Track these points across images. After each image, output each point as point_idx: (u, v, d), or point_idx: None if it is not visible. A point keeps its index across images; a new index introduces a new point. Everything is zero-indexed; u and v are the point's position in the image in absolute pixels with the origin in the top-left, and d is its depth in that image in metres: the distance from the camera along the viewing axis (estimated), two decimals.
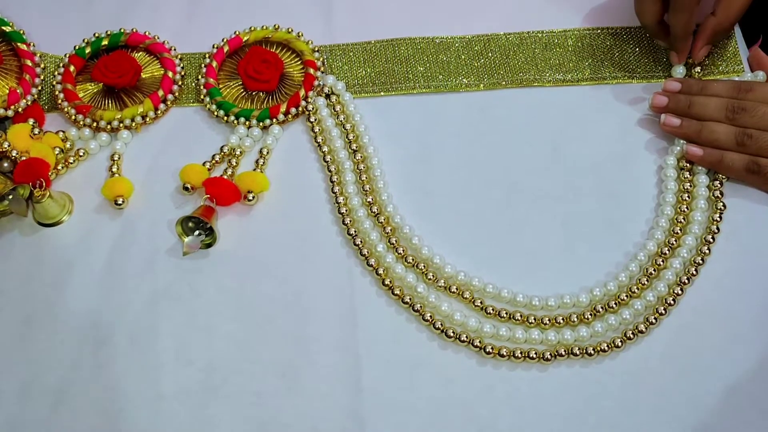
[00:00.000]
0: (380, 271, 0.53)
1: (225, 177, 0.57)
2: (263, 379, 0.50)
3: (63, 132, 0.59)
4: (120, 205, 0.56)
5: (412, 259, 0.53)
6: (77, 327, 0.52)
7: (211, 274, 0.54)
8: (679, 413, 0.48)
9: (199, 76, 0.62)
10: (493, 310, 0.51)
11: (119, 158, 0.59)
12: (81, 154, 0.59)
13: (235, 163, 0.58)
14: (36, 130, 0.59)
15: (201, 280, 0.53)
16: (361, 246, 0.54)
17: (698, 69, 0.61)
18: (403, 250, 0.54)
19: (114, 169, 0.58)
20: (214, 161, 0.58)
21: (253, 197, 0.56)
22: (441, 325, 0.50)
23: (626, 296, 0.51)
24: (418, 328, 0.51)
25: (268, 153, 0.59)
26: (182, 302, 0.52)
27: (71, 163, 0.59)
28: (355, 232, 0.54)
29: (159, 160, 0.59)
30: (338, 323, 0.51)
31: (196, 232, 0.54)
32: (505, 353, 0.49)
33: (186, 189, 0.56)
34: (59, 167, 0.58)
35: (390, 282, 0.52)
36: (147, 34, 0.64)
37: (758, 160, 0.54)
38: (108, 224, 0.56)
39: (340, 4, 0.66)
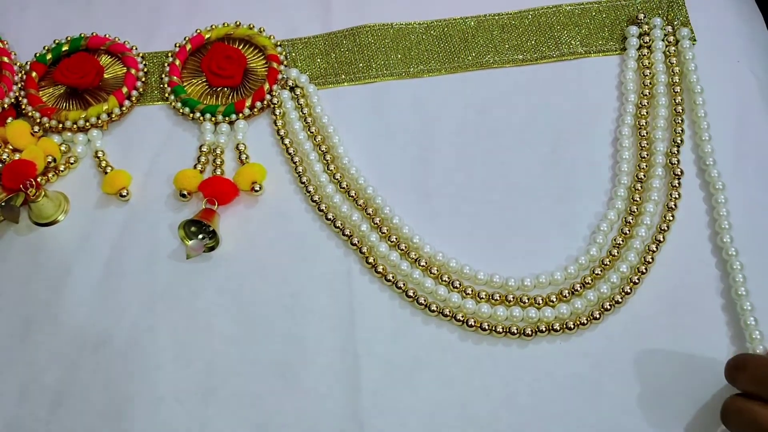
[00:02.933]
0: (380, 269, 0.53)
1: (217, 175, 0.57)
2: (262, 380, 0.50)
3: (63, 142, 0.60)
4: (125, 197, 0.56)
5: (405, 247, 0.54)
6: (76, 328, 0.52)
7: (209, 275, 0.54)
8: (680, 414, 0.48)
9: (163, 75, 0.63)
10: (499, 296, 0.52)
11: (104, 154, 0.59)
12: (72, 161, 0.59)
13: (219, 162, 0.59)
14: (36, 128, 0.59)
15: (199, 282, 0.53)
16: (350, 235, 0.54)
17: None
18: (396, 238, 0.54)
19: (103, 165, 0.59)
20: (205, 162, 0.58)
21: (260, 187, 0.56)
22: (449, 312, 0.51)
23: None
24: (418, 328, 0.51)
25: (245, 147, 0.59)
26: (181, 303, 0.53)
27: (62, 171, 0.59)
28: (334, 217, 0.55)
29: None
30: (337, 323, 0.51)
31: (200, 236, 0.54)
32: (515, 331, 0.50)
33: (183, 196, 0.56)
34: (50, 175, 0.58)
35: (393, 277, 0.53)
36: (107, 36, 0.64)
37: None
38: (107, 226, 0.56)
39: (338, 2, 0.66)
